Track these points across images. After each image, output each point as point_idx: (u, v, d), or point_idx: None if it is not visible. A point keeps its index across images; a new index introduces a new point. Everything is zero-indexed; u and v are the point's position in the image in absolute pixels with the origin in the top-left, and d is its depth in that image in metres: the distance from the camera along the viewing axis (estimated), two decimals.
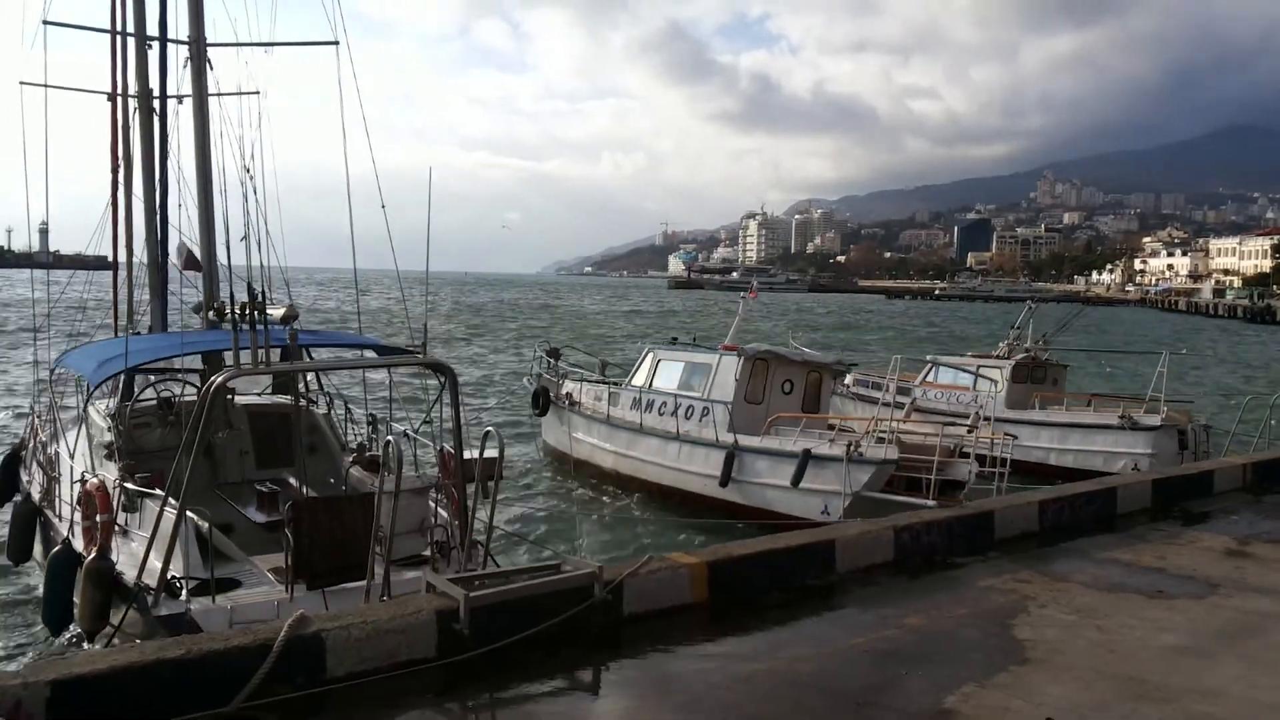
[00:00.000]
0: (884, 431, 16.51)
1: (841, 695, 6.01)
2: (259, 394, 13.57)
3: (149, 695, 5.26)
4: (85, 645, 9.02)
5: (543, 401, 22.64)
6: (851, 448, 16.04)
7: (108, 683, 5.18)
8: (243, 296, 8.68)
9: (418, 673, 6.06)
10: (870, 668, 6.45)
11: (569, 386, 22.68)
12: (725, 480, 17.53)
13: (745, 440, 17.59)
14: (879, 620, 7.40)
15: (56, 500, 11.56)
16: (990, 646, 6.88)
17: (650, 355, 20.63)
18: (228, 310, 7.93)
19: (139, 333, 14.20)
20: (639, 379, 20.44)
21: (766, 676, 6.29)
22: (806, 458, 16.41)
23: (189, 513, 8.26)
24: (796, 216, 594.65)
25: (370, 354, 12.22)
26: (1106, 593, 8.15)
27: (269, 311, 8.68)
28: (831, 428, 17.82)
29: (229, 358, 12.44)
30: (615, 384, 21.50)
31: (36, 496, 12.32)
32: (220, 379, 7.79)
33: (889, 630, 7.17)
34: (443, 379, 8.98)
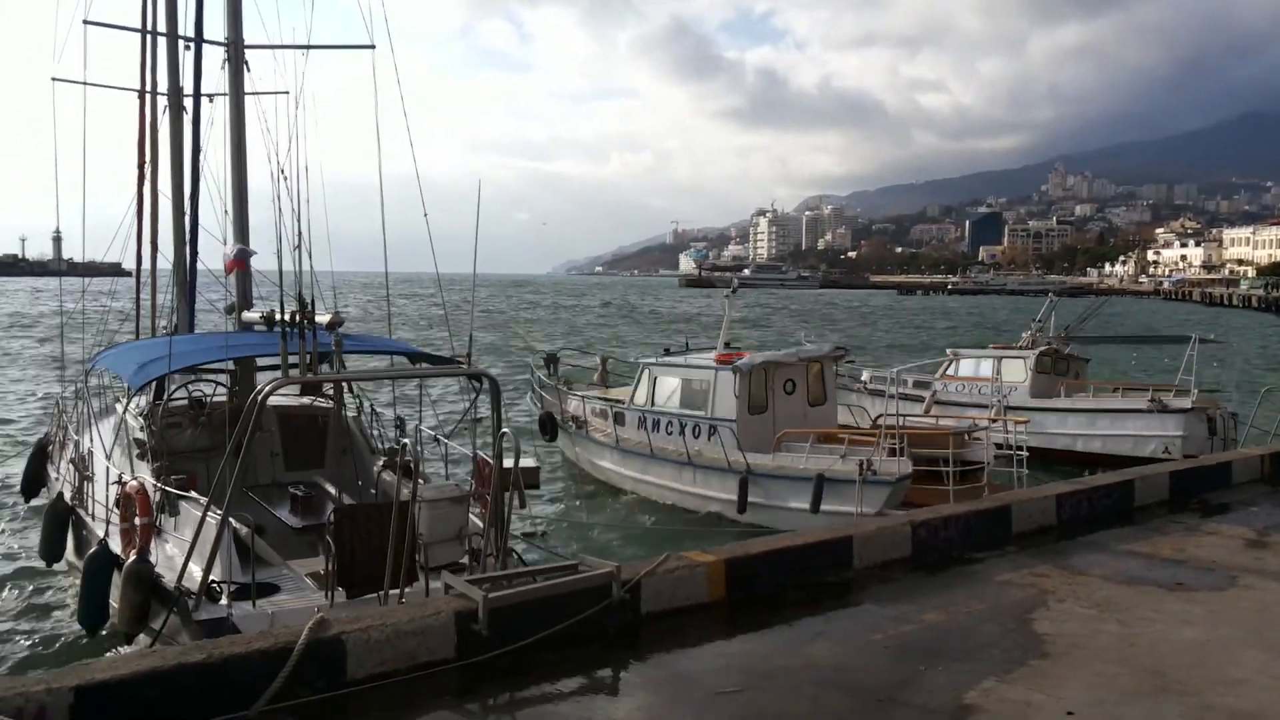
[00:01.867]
0: (894, 442, 16.20)
1: (861, 692, 6.00)
2: (288, 396, 13.60)
3: (171, 700, 5.29)
4: (123, 648, 9.08)
5: (550, 427, 22.41)
6: (864, 467, 15.83)
7: (130, 688, 5.21)
8: (291, 303, 8.73)
9: (437, 674, 6.08)
10: (889, 664, 6.44)
11: (572, 405, 22.40)
12: (743, 506, 17.29)
13: (756, 461, 17.29)
14: (897, 616, 7.38)
15: (90, 500, 11.62)
16: (1009, 641, 6.86)
17: (646, 372, 20.25)
18: (277, 317, 7.95)
19: (171, 333, 14.24)
20: (640, 397, 20.08)
21: (785, 674, 6.28)
22: (821, 483, 16.17)
23: (230, 517, 8.30)
24: (807, 213, 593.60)
25: (405, 360, 12.22)
26: (1126, 586, 8.11)
27: (315, 317, 8.72)
28: (840, 440, 17.40)
29: (261, 362, 12.51)
30: (618, 401, 21.14)
31: (68, 495, 12.36)
32: (270, 387, 7.78)
33: (907, 626, 7.15)
34: (479, 385, 8.92)
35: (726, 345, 20.36)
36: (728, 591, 7.57)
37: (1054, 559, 8.91)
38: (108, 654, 9.03)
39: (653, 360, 20.67)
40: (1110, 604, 7.64)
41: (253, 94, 13.61)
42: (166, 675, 5.32)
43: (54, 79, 15.71)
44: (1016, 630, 7.09)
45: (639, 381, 20.37)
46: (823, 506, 16.17)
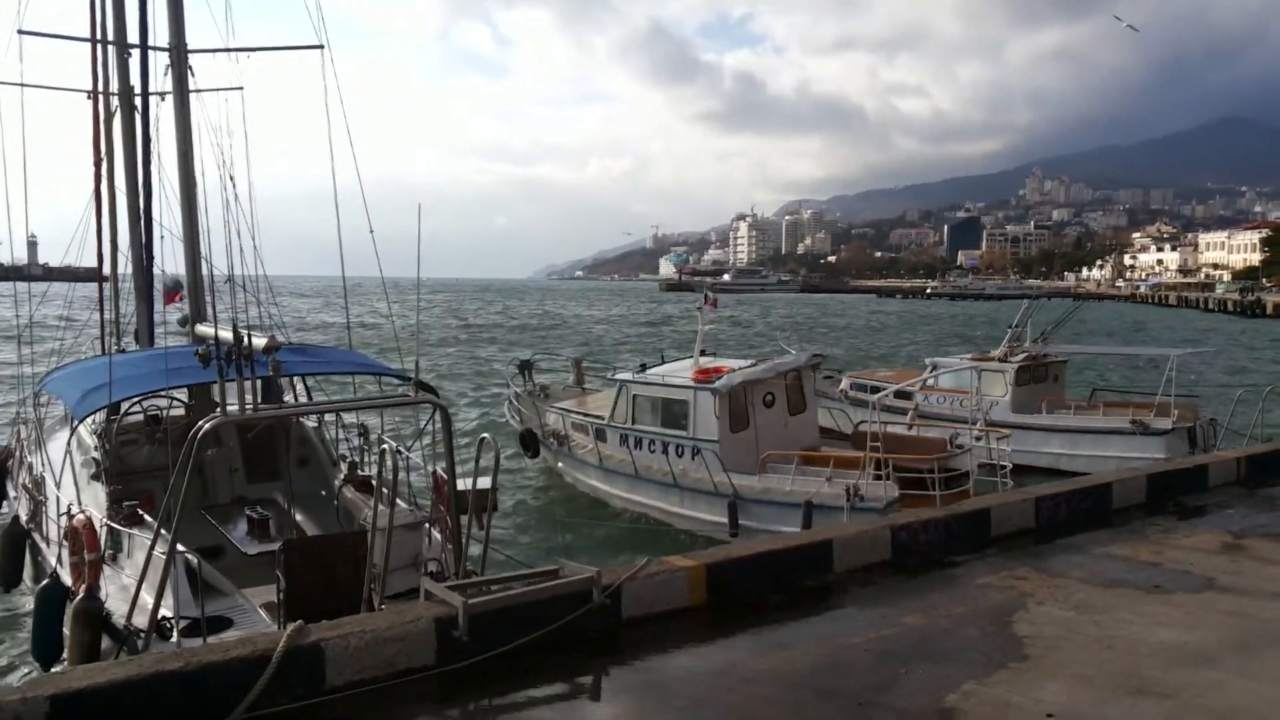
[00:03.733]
0: (876, 454, 16.14)
1: (842, 695, 6.01)
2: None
3: (149, 709, 5.25)
4: None
5: (531, 444, 22.26)
6: (851, 492, 15.82)
7: (107, 697, 5.17)
8: (226, 334, 8.50)
9: (417, 680, 6.05)
10: (870, 667, 6.45)
11: (551, 420, 22.26)
12: (734, 530, 17.24)
13: (743, 484, 17.25)
14: (878, 619, 7.40)
15: (44, 523, 11.43)
16: (989, 644, 6.89)
17: (623, 390, 20.06)
18: (211, 355, 7.69)
19: (123, 348, 14.07)
20: (619, 415, 19.98)
21: (766, 678, 6.29)
22: (810, 510, 16.13)
23: (180, 547, 8.14)
24: (787, 217, 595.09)
25: (364, 376, 12.10)
26: (1104, 588, 8.16)
27: (252, 341, 8.53)
28: (825, 462, 17.33)
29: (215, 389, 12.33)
30: (598, 418, 20.94)
31: (24, 518, 12.17)
32: (207, 425, 7.57)
33: (888, 629, 7.17)
34: (432, 413, 8.80)
35: (703, 351, 20.36)
36: (709, 596, 7.57)
37: (1033, 562, 8.95)
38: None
39: (629, 378, 20.40)
40: (1089, 606, 7.68)
41: (197, 92, 13.38)
42: (143, 684, 5.28)
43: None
44: (996, 633, 7.12)
45: (617, 399, 20.18)
46: None
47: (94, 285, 17.27)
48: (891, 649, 6.77)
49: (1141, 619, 7.39)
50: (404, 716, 5.75)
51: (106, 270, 16.16)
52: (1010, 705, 5.81)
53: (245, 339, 7.90)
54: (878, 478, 15.92)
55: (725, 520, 17.17)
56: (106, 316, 16.41)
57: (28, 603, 12.73)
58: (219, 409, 7.50)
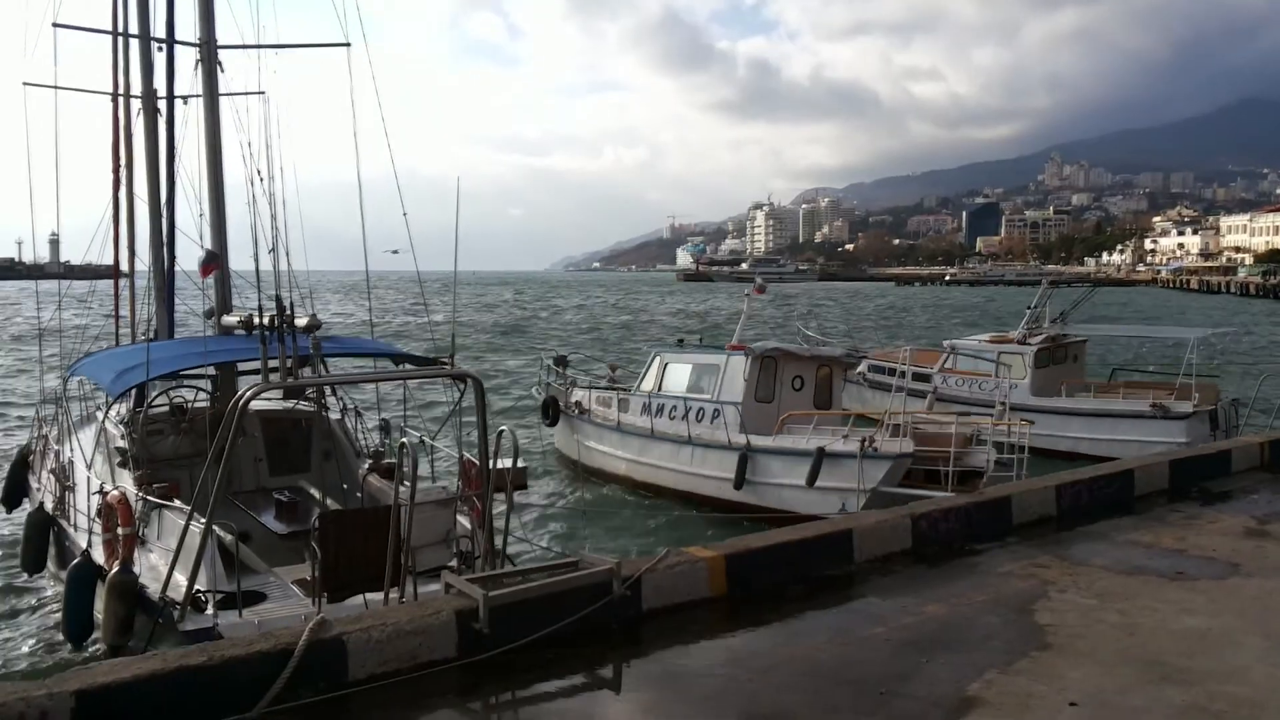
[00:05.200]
0: (898, 423, 16.38)
1: (863, 685, 6.00)
2: (271, 400, 13.54)
3: (173, 702, 5.28)
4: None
5: (552, 411, 22.48)
6: (866, 443, 15.93)
7: (132, 691, 5.21)
8: (270, 307, 8.62)
9: (438, 673, 6.07)
10: (891, 657, 6.44)
11: (578, 394, 22.52)
12: (740, 483, 17.39)
13: (758, 441, 17.43)
14: (898, 609, 7.38)
15: (71, 510, 11.53)
16: (1011, 633, 6.86)
17: (657, 359, 20.45)
18: (255, 322, 7.84)
19: (151, 339, 14.16)
20: (647, 384, 20.25)
21: (787, 668, 6.28)
22: (821, 456, 16.27)
23: (214, 525, 8.24)
24: (804, 206, 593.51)
25: (389, 363, 12.16)
26: (1126, 576, 8.12)
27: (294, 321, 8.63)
28: (846, 421, 17.66)
29: (242, 367, 12.42)
30: (624, 389, 21.32)
31: (49, 506, 12.30)
32: (250, 393, 7.68)
33: (909, 619, 7.15)
34: (463, 387, 8.86)
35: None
36: (728, 587, 7.57)
37: (1055, 549, 8.91)
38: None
39: (665, 349, 20.86)
40: (1111, 594, 7.64)
41: (227, 95, 13.51)
42: (168, 678, 5.32)
43: (25, 83, 15.66)
44: (1018, 621, 7.09)
45: (649, 369, 20.48)
46: (819, 482, 16.25)
47: (100, 282, 17.38)
48: (912, 638, 6.75)
49: (1165, 606, 7.35)
50: (426, 709, 5.77)
51: (125, 267, 16.24)
52: (1033, 694, 5.79)
53: (289, 309, 8.02)
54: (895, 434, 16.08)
55: (732, 476, 17.30)
56: (123, 314, 16.51)
57: (51, 591, 12.90)
58: (261, 377, 7.59)
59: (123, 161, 15.64)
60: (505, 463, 8.36)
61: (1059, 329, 25.65)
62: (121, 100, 15.68)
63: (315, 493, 11.91)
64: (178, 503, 9.64)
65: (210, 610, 8.23)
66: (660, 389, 19.76)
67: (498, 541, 8.54)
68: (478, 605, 6.26)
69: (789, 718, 5.61)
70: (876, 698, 5.82)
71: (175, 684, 5.32)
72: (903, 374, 20.14)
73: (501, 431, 8.42)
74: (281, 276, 13.34)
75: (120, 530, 9.05)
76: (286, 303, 8.58)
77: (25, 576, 13.25)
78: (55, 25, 14.57)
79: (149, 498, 9.70)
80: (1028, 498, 10.02)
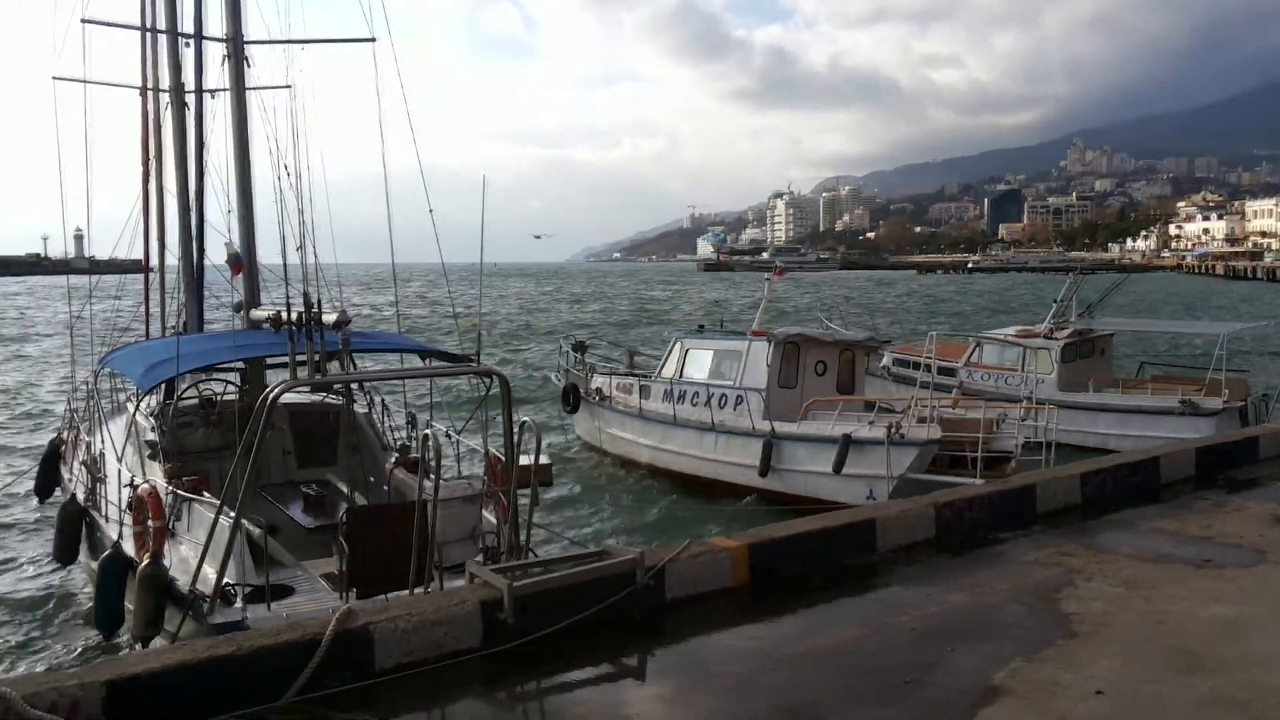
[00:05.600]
0: (925, 410, 16.31)
1: (887, 674, 5.99)
2: (299, 393, 13.61)
3: (202, 692, 5.34)
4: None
5: (573, 398, 22.47)
6: (893, 429, 15.83)
7: (162, 681, 5.27)
8: (297, 304, 8.66)
9: (464, 663, 6.10)
10: (915, 646, 6.42)
11: (598, 381, 22.52)
12: (765, 470, 17.33)
13: (782, 428, 17.37)
14: (922, 598, 7.36)
15: (103, 502, 11.67)
16: (1036, 621, 6.83)
17: (679, 345, 20.40)
18: (284, 319, 7.91)
19: (180, 332, 14.27)
20: (669, 370, 20.22)
21: (810, 658, 6.28)
22: (847, 443, 16.18)
23: (243, 519, 8.32)
24: (824, 194, 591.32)
25: (416, 358, 12.22)
26: (1153, 564, 8.07)
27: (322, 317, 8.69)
28: (870, 408, 17.61)
29: (270, 360, 12.51)
30: (645, 375, 21.34)
31: (81, 497, 12.44)
32: (279, 389, 7.72)
33: (933, 608, 7.13)
34: (489, 382, 8.88)
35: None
36: (751, 576, 7.57)
37: (1080, 538, 8.86)
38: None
39: (686, 335, 20.85)
40: (1137, 582, 7.60)
41: (254, 89, 13.58)
42: (197, 668, 5.38)
43: (55, 78, 15.80)
44: (1043, 610, 7.06)
45: (669, 354, 20.48)
46: (846, 469, 16.15)
47: (130, 277, 17.53)
48: (937, 628, 6.73)
49: (1192, 594, 7.30)
50: (451, 698, 5.81)
51: (154, 262, 16.38)
52: (1059, 683, 5.77)
53: (317, 305, 8.07)
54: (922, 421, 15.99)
55: (757, 464, 17.26)
56: (153, 309, 16.64)
57: (83, 579, 13.06)
58: (289, 373, 7.64)
59: (151, 154, 15.76)
60: (542, 459, 8.39)
61: (1086, 323, 25.44)
62: (150, 94, 15.80)
63: (342, 486, 11.98)
64: (207, 496, 9.73)
65: (239, 604, 8.31)
66: (682, 375, 19.74)
67: (523, 535, 8.58)
68: (502, 595, 6.28)
69: (812, 708, 5.61)
70: (901, 687, 5.81)
71: (204, 674, 5.38)
72: (928, 366, 20.05)
73: (525, 423, 8.45)
74: (309, 270, 13.44)
75: (151, 523, 9.16)
76: (314, 298, 8.64)
77: (59, 567, 13.42)
78: (84, 21, 14.72)
79: (179, 491, 9.79)
80: (1052, 486, 9.96)
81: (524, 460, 8.48)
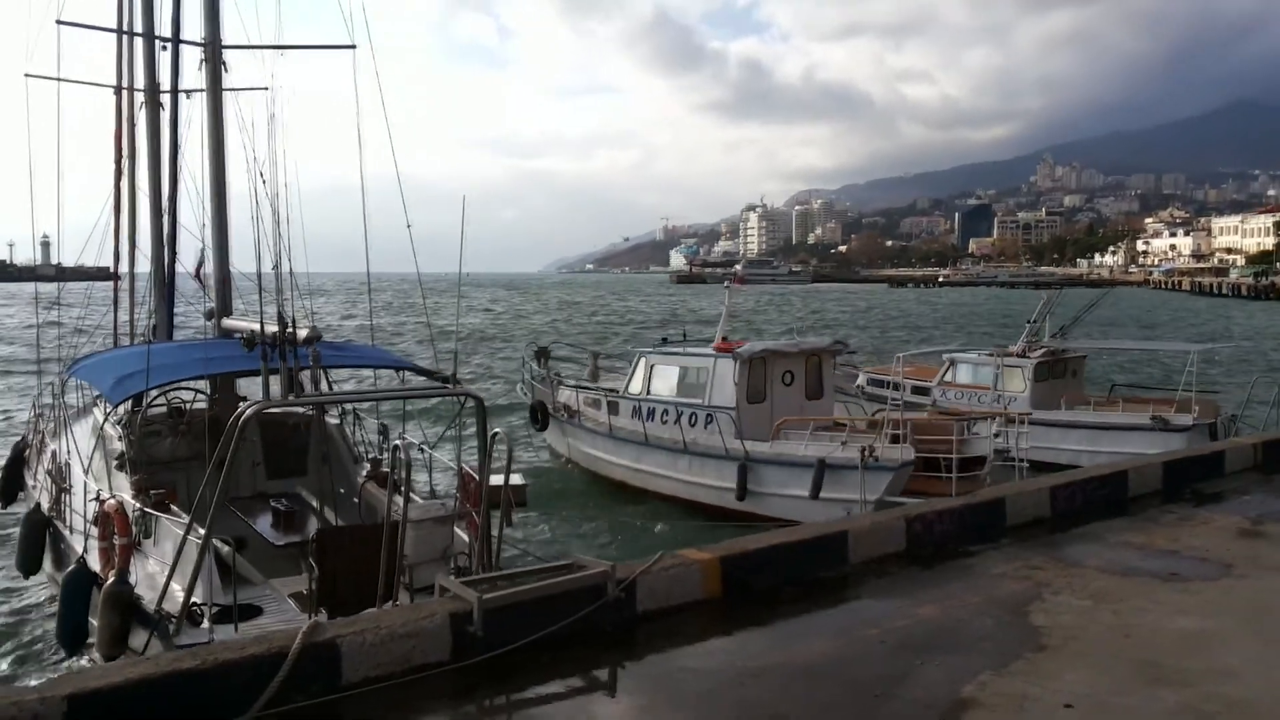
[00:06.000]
0: (897, 429, 16.27)
1: (858, 687, 5.99)
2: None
3: (166, 707, 5.25)
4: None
5: (541, 415, 22.27)
6: (866, 452, 15.82)
7: (124, 695, 5.18)
8: (271, 322, 8.55)
9: (432, 676, 6.05)
10: (886, 659, 6.43)
11: (564, 395, 22.31)
12: (742, 494, 17.25)
13: (755, 449, 17.25)
14: (893, 611, 7.38)
15: (68, 512, 11.48)
16: (1005, 634, 6.85)
17: (643, 361, 20.19)
18: (256, 340, 7.79)
19: (149, 340, 14.08)
20: (635, 386, 20.01)
21: (781, 670, 6.27)
22: (823, 468, 16.14)
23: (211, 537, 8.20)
24: (797, 207, 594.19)
25: (392, 373, 12.09)
26: (1120, 577, 8.12)
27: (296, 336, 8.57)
28: (841, 426, 17.52)
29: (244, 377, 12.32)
30: (612, 391, 21.10)
31: (45, 506, 12.22)
32: (252, 410, 7.62)
33: (903, 621, 7.14)
34: (462, 403, 8.79)
35: (724, 339, 20.42)
36: (723, 589, 7.55)
37: (1049, 551, 8.91)
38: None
39: (650, 350, 20.65)
40: (1105, 595, 7.64)
41: (230, 90, 13.42)
42: (160, 682, 5.29)
43: (27, 75, 15.60)
44: (1012, 623, 7.09)
45: (634, 371, 20.30)
46: (823, 493, 16.14)
47: (98, 284, 17.32)
48: (907, 640, 6.74)
49: (1159, 607, 7.35)
50: (420, 712, 5.75)
51: (124, 269, 16.19)
52: (1027, 696, 5.79)
53: (290, 326, 7.98)
54: (895, 441, 15.99)
55: (733, 486, 17.18)
56: (122, 317, 16.44)
57: (48, 590, 12.83)
58: (262, 394, 7.55)
59: (124, 153, 15.58)
60: (514, 479, 8.33)
61: (1059, 343, 25.70)
62: (125, 93, 15.63)
63: (312, 500, 11.85)
64: (175, 510, 9.59)
65: (206, 624, 8.18)
66: (649, 392, 19.59)
67: (494, 554, 8.52)
68: (472, 608, 6.24)
69: None
70: (871, 700, 5.81)
71: (168, 688, 5.29)
72: (901, 386, 20.11)
73: (496, 434, 8.40)
74: (283, 284, 13.31)
75: (116, 540, 9.00)
76: (288, 311, 8.53)
77: (20, 577, 13.18)
78: (59, 22, 14.56)
79: (146, 509, 9.64)
80: (1022, 499, 10.02)
81: (496, 480, 8.42)
